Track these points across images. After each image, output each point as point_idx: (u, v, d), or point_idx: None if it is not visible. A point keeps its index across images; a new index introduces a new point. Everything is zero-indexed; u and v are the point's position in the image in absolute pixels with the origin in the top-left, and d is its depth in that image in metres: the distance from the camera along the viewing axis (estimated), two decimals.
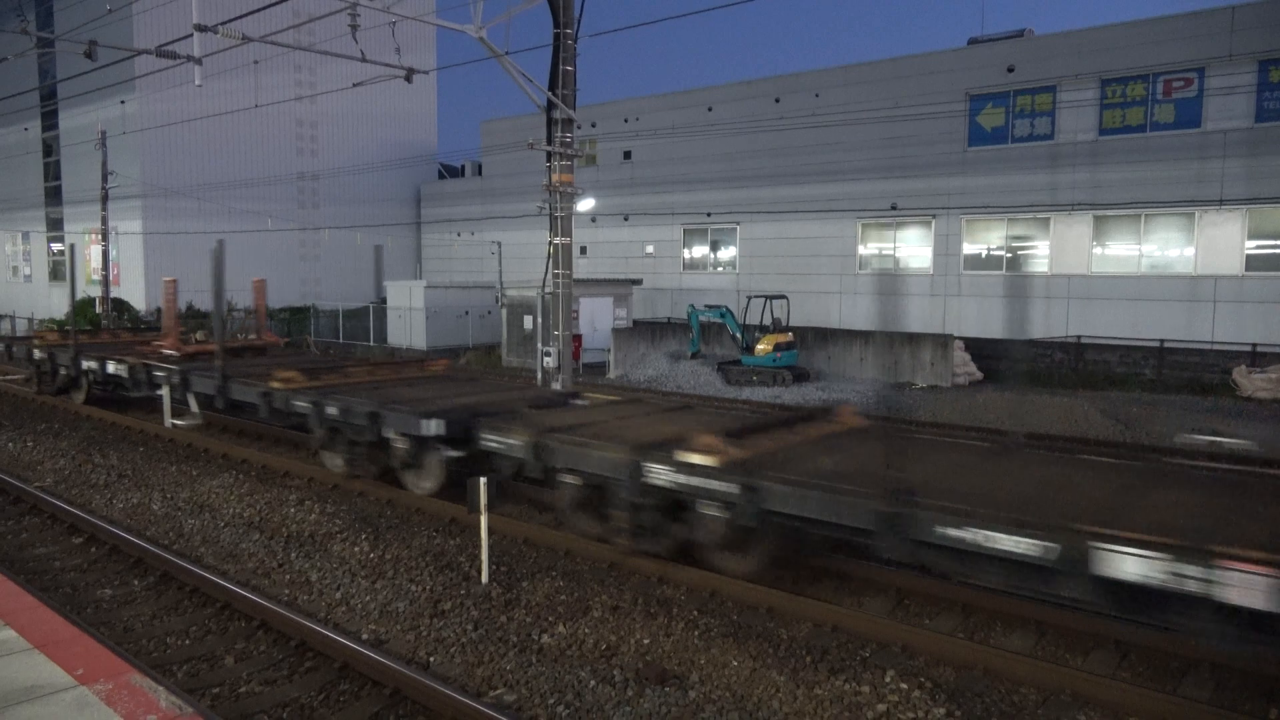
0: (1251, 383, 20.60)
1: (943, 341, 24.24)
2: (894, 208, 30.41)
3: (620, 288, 30.73)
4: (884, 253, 31.41)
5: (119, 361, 16.25)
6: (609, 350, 26.96)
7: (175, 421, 15.17)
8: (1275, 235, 24.49)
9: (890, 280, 30.75)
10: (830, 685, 6.57)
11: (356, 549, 9.69)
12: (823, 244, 31.90)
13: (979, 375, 24.42)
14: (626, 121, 37.82)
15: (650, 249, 37.26)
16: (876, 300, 30.40)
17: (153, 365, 15.57)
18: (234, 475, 13.02)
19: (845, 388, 22.91)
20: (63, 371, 18.46)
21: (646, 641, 7.35)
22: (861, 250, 31.67)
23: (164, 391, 15.11)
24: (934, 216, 29.69)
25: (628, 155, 37.99)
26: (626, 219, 37.83)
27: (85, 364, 17.17)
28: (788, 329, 24.67)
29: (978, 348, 25.21)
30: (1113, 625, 7.22)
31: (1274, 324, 23.33)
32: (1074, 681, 6.47)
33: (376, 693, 6.49)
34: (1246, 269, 24.73)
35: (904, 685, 6.55)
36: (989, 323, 27.75)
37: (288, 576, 8.95)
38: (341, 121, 45.86)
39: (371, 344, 34.04)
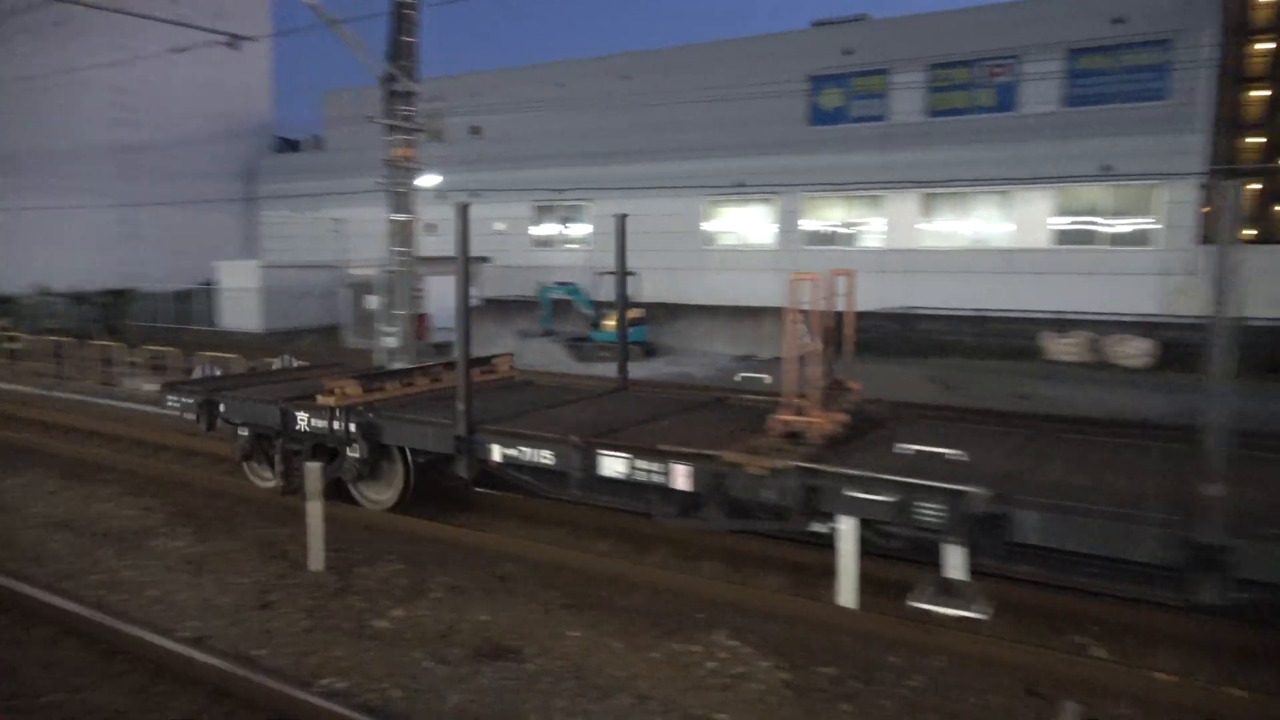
0: (1057, 347, 22.46)
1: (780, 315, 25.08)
2: (740, 185, 31.16)
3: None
4: (731, 229, 32.17)
5: (691, 460, 7.53)
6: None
7: (928, 606, 6.69)
8: (1078, 212, 26.70)
9: (737, 256, 31.73)
10: (665, 648, 6.74)
11: (177, 544, 9.16)
12: (673, 221, 32.35)
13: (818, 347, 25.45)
14: (475, 96, 36.97)
15: (501, 226, 36.73)
16: (724, 276, 31.19)
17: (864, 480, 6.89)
18: (41, 471, 12.03)
19: (692, 361, 23.45)
20: (356, 455, 9.66)
21: (485, 619, 7.31)
22: (710, 227, 32.33)
23: (842, 528, 7.07)
24: (778, 194, 30.62)
25: (477, 130, 37.19)
26: (476, 195, 37.06)
27: (544, 458, 8.29)
28: (637, 305, 24.96)
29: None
30: (922, 572, 7.73)
31: (1076, 294, 25.40)
32: (888, 628, 6.91)
33: (196, 691, 6.17)
34: (1054, 243, 26.85)
35: (734, 642, 6.80)
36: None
37: (97, 577, 8.35)
38: (166, 90, 42.62)
39: (202, 328, 32.10)
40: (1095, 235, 26.61)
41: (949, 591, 6.65)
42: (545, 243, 36.27)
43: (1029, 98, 27.06)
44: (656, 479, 7.62)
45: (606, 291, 25.32)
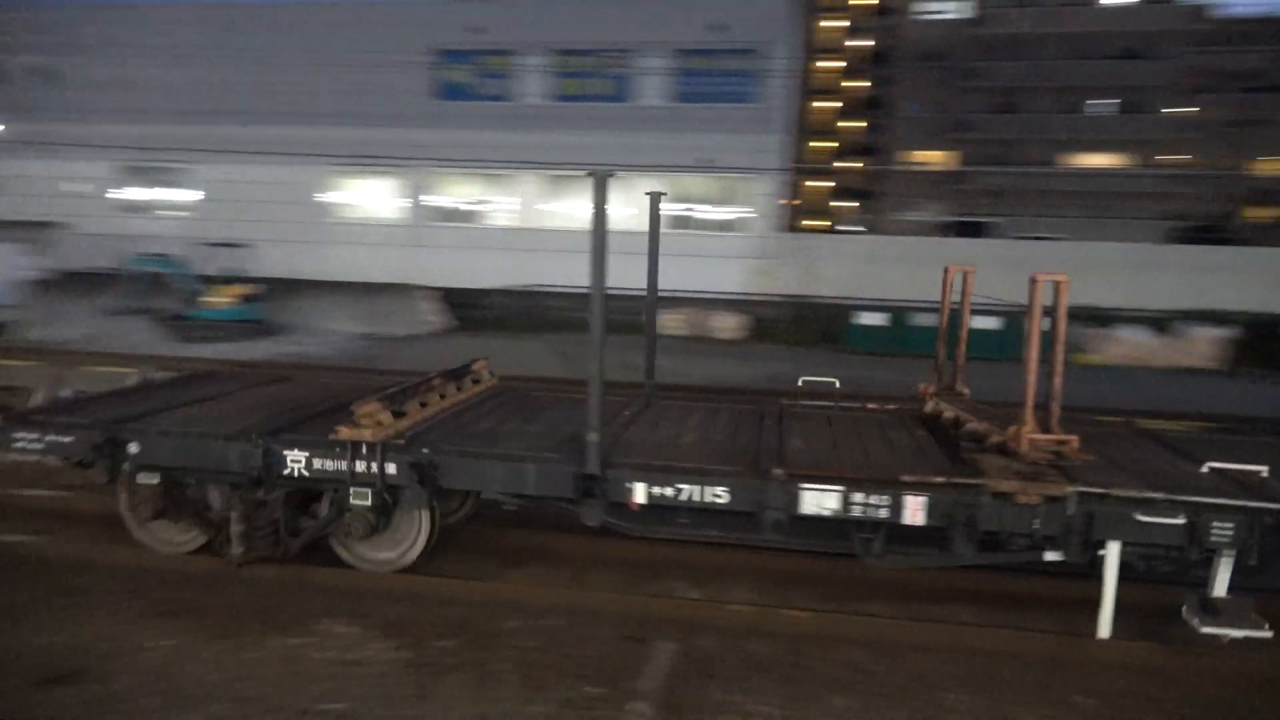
0: (669, 321, 24.74)
1: (409, 291, 24.72)
2: (364, 157, 29.93)
3: (34, 231, 25.81)
4: (355, 202, 30.89)
5: (933, 489, 6.43)
6: (19, 306, 22.59)
7: (1220, 630, 6.37)
8: (684, 200, 29.45)
9: (363, 230, 30.52)
10: (272, 644, 6.36)
11: None
12: (292, 191, 30.20)
13: (450, 323, 25.47)
14: (48, 34, 31.41)
15: (82, 187, 31.71)
16: (349, 250, 29.90)
17: None
18: None
19: (313, 340, 22.27)
20: (366, 503, 7.17)
21: (52, 640, 6.36)
22: (333, 199, 30.72)
23: (1110, 555, 6.49)
24: (405, 168, 29.90)
25: (53, 75, 31.62)
26: (51, 151, 31.57)
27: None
28: (251, 280, 23.09)
29: (450, 297, 26.23)
30: (538, 537, 8.14)
31: (684, 273, 27.94)
32: (507, 592, 7.17)
33: None
34: (665, 227, 29.26)
35: (351, 628, 6.62)
36: (460, 273, 28.95)
37: None
38: None
39: None
40: (698, 221, 29.52)
41: (1212, 610, 6.38)
42: (136, 208, 31.96)
43: (642, 91, 29.18)
44: (881, 514, 6.44)
45: (216, 264, 23.10)
